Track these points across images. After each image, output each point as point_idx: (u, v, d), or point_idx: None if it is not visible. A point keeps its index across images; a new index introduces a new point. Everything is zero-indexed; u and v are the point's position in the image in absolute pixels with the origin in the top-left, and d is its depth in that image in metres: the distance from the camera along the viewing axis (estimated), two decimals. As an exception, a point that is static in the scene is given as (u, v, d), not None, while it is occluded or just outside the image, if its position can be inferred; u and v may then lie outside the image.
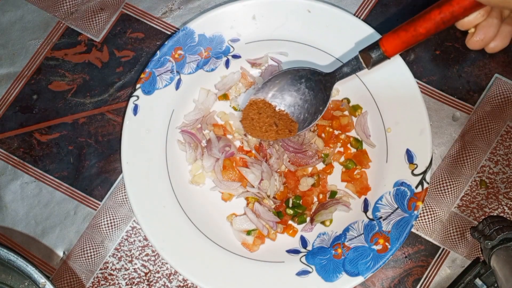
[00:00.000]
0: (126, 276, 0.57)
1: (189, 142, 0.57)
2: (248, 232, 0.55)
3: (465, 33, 0.55)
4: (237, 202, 0.57)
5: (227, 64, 0.58)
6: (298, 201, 0.56)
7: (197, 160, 0.57)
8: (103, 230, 0.58)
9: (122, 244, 0.58)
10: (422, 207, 0.56)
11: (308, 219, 0.56)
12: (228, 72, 0.58)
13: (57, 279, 0.57)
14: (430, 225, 0.57)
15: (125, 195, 0.58)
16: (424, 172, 0.53)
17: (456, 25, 0.43)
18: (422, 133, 0.53)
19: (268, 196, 0.56)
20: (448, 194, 0.57)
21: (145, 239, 0.58)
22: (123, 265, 0.57)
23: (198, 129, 0.58)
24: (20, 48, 0.61)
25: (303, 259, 0.54)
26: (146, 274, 0.57)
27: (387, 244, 0.52)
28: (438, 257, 0.56)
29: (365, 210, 0.55)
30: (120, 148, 0.55)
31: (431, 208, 0.57)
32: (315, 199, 0.57)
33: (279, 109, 0.53)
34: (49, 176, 0.59)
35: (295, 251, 0.55)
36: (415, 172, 0.53)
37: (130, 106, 0.55)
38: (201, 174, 0.57)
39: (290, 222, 0.56)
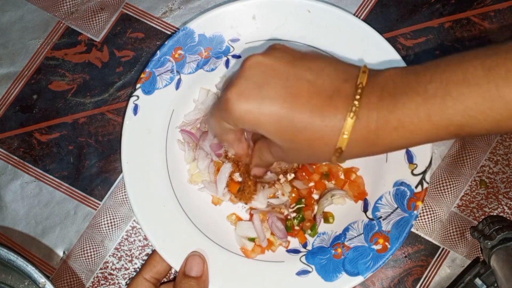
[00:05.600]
0: (126, 276, 0.57)
1: (188, 142, 0.57)
2: (250, 239, 0.55)
3: (465, 32, 0.55)
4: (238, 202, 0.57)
5: (227, 64, 0.58)
6: (300, 205, 0.55)
7: (195, 160, 0.57)
8: (103, 230, 0.58)
9: (122, 244, 0.58)
10: (422, 207, 0.56)
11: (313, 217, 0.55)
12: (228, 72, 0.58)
13: (57, 279, 0.57)
14: (430, 225, 0.57)
15: (125, 195, 0.58)
16: (424, 172, 0.53)
17: None
18: (422, 133, 0.53)
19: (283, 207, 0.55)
20: (448, 193, 0.57)
21: (145, 239, 0.58)
22: (123, 265, 0.57)
23: (198, 128, 0.58)
24: (20, 48, 0.61)
25: (303, 259, 0.54)
26: (146, 273, 0.57)
27: (387, 243, 0.52)
28: (438, 257, 0.56)
29: (365, 210, 0.55)
30: (120, 148, 0.55)
31: (431, 208, 0.57)
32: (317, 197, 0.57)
33: None
34: (49, 176, 0.59)
35: (295, 251, 0.55)
36: (415, 172, 0.53)
37: (130, 106, 0.55)
38: (198, 173, 0.57)
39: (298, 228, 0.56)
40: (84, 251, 0.57)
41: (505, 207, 0.57)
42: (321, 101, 0.39)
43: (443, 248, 0.56)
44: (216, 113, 0.44)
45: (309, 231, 0.55)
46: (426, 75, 0.37)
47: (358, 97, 0.38)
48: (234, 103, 0.40)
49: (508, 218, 0.56)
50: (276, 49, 0.42)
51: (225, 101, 0.40)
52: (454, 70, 0.36)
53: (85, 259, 0.57)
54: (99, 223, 0.58)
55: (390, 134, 0.38)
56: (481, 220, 0.56)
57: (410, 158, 0.53)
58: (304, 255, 0.54)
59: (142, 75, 0.56)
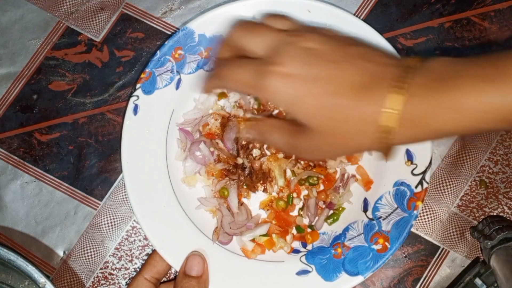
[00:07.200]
0: (126, 276, 0.57)
1: (182, 141, 0.56)
2: (251, 240, 0.54)
3: (465, 32, 0.55)
4: (237, 202, 0.57)
5: (227, 64, 0.58)
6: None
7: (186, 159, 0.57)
8: (103, 230, 0.58)
9: (122, 244, 0.58)
10: (422, 207, 0.56)
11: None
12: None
13: (57, 279, 0.57)
14: (429, 225, 0.57)
15: (125, 194, 0.58)
16: (424, 172, 0.53)
17: None
18: (422, 133, 0.53)
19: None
20: (448, 193, 0.57)
21: (145, 238, 0.58)
22: (123, 265, 0.57)
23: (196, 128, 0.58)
24: (20, 48, 0.61)
25: (303, 259, 0.54)
26: (146, 273, 0.57)
27: (386, 243, 0.52)
28: (438, 257, 0.56)
29: (365, 209, 0.55)
30: (120, 148, 0.55)
31: (431, 208, 0.57)
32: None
33: None
34: (49, 176, 0.59)
35: (295, 251, 0.55)
36: (415, 172, 0.53)
37: (130, 106, 0.55)
38: (193, 176, 0.57)
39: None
40: (84, 251, 0.57)
41: (505, 207, 0.57)
42: (369, 80, 0.38)
43: (443, 248, 0.56)
44: (248, 77, 0.40)
45: (329, 220, 0.55)
46: (479, 62, 0.37)
47: (406, 74, 0.37)
48: (276, 81, 0.38)
49: (508, 218, 0.56)
50: (318, 32, 0.41)
51: (268, 75, 0.38)
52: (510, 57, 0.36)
53: (85, 259, 0.57)
54: (99, 223, 0.58)
55: (441, 114, 0.36)
56: (481, 220, 0.56)
57: (410, 158, 0.53)
58: (304, 255, 0.54)
59: (142, 75, 0.56)
